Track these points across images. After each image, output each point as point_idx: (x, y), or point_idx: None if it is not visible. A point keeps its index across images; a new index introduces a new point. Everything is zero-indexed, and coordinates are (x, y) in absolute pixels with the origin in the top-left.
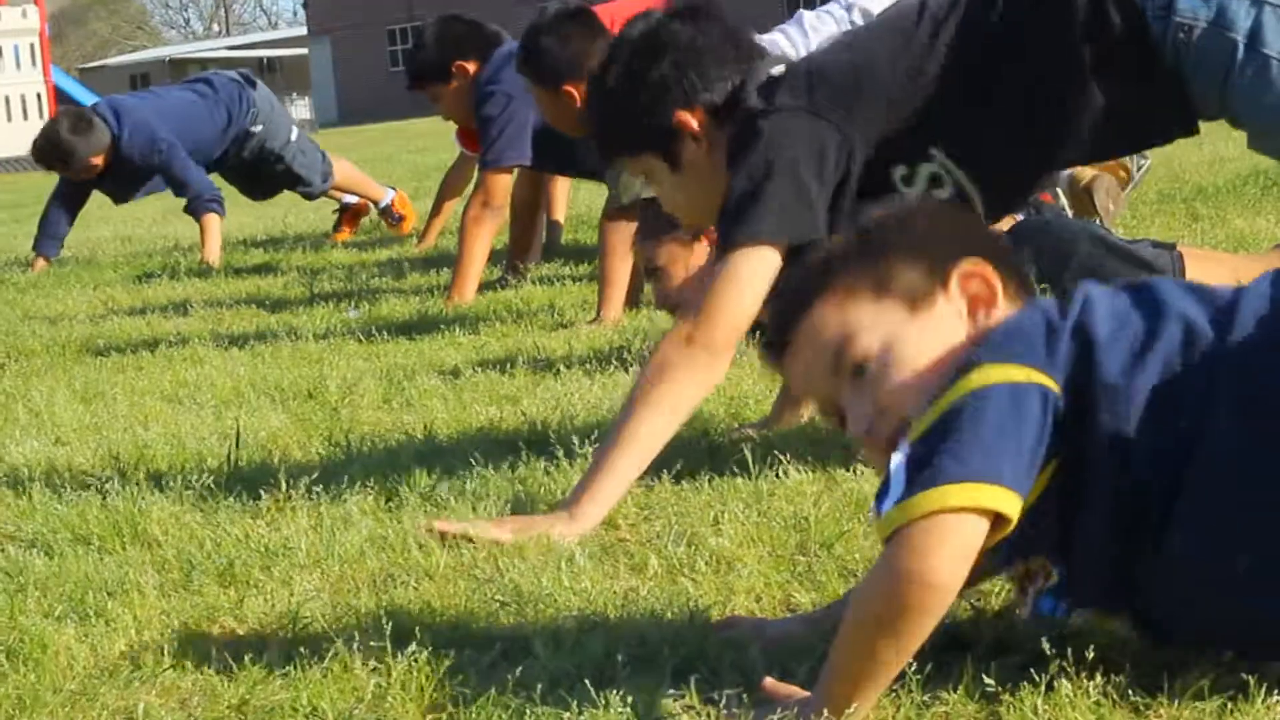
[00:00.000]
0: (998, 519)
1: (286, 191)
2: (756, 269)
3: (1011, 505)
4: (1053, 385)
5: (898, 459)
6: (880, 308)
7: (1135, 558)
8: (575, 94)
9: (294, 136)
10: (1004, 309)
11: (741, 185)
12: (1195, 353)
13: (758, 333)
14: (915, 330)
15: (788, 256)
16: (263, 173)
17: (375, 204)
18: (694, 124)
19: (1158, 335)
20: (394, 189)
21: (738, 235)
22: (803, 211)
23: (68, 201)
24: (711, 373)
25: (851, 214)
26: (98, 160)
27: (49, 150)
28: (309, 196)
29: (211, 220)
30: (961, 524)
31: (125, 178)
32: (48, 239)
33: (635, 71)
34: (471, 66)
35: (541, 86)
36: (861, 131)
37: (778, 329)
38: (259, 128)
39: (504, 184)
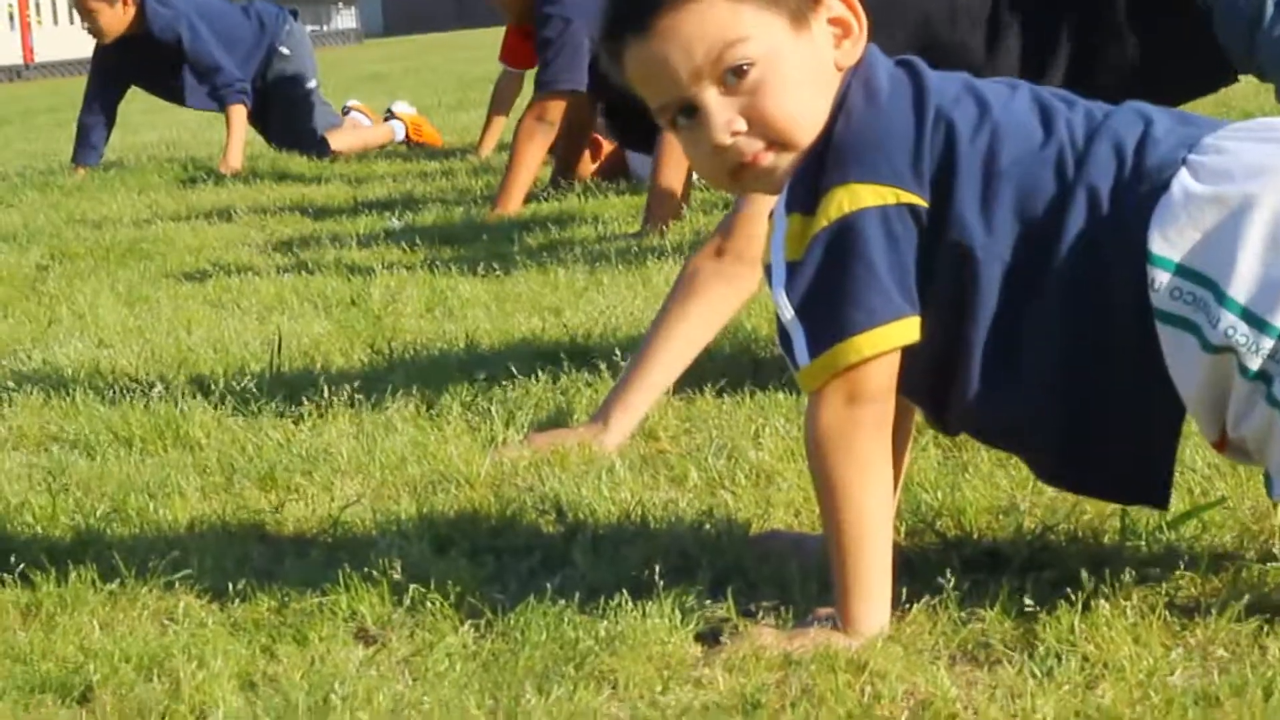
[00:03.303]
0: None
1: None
2: None
3: (913, 329)
4: (920, 201)
5: (783, 301)
6: (767, 18)
7: (952, 363)
8: None
9: (314, 85)
10: (862, 42)
11: None
12: (1047, 203)
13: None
14: (795, 47)
15: None
16: (281, 98)
17: (394, 142)
18: None
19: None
20: (400, 120)
21: None
22: None
23: (102, 105)
24: (743, 283)
25: None
26: (103, 8)
27: None
28: (308, 148)
29: (238, 112)
30: (881, 360)
31: (152, 60)
32: (86, 148)
33: None
34: None
35: None
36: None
37: (641, 6)
38: (288, 51)
39: (559, 103)
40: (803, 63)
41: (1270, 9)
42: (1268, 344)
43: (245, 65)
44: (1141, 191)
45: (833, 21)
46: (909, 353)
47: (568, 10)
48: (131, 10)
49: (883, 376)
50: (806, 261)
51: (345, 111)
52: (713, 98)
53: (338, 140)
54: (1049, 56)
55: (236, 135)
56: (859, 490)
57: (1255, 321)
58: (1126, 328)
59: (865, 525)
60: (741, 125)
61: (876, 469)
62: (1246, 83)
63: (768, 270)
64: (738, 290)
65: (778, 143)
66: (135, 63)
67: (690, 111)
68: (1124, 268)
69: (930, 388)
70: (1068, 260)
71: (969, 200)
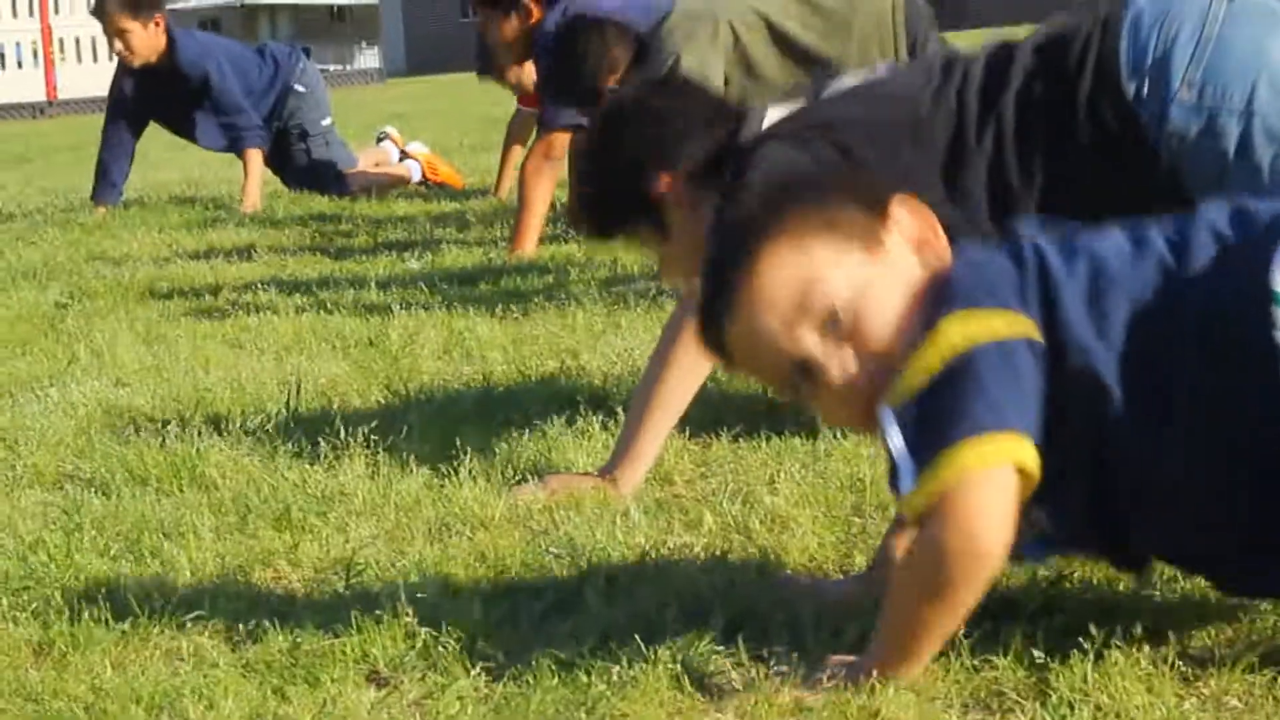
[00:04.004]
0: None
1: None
2: None
3: (1028, 452)
4: (1035, 334)
5: (893, 434)
6: (839, 252)
7: (1111, 496)
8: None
9: (328, 123)
10: (942, 244)
11: None
12: (1159, 295)
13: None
14: (878, 272)
15: None
16: (296, 137)
17: (410, 182)
18: (671, 188)
19: (1118, 276)
20: (415, 160)
21: None
22: None
23: (121, 141)
24: None
25: None
26: (136, 28)
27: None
28: (324, 186)
29: (254, 156)
30: (990, 481)
31: (170, 94)
32: (106, 186)
33: (609, 144)
34: (536, 11)
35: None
36: None
37: (720, 285)
38: (302, 89)
39: (563, 139)
40: (889, 283)
41: (1231, 162)
42: None
43: (260, 106)
44: (1257, 242)
45: (907, 237)
46: (1065, 509)
47: None
48: (162, 36)
49: (994, 505)
50: (919, 398)
51: (380, 139)
52: (817, 346)
53: (354, 179)
54: (1021, 192)
55: (254, 178)
56: (937, 632)
57: None
58: (1263, 391)
59: (929, 648)
60: (854, 364)
61: (962, 616)
62: None
63: (889, 459)
64: None
65: (891, 367)
66: (153, 96)
67: (806, 372)
68: (1250, 326)
69: (1098, 532)
70: (1192, 347)
71: (1081, 323)
